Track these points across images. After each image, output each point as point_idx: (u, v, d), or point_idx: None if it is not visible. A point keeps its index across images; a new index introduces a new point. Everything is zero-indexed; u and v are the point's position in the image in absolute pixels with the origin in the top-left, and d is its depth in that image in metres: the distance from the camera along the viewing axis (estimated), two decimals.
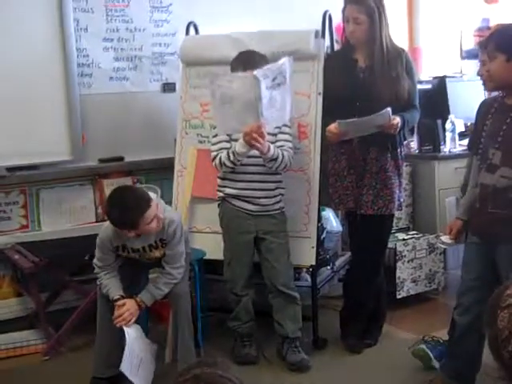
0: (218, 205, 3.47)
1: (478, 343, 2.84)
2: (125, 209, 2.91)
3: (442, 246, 3.01)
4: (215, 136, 3.36)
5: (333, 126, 3.26)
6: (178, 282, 3.14)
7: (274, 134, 3.32)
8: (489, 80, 2.73)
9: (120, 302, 3.01)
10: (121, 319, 2.98)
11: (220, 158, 3.28)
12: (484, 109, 2.84)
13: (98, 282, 3.13)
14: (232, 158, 3.23)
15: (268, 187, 3.35)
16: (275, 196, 3.39)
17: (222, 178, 3.40)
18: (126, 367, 2.89)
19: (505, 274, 2.67)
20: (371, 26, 3.33)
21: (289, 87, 3.16)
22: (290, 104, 3.19)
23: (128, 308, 3.00)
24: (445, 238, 2.97)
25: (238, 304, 3.43)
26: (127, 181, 4.00)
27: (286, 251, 3.42)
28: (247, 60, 3.26)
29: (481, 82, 2.91)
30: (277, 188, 3.39)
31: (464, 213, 2.91)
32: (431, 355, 3.25)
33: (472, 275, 2.83)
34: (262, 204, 3.35)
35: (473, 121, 3.02)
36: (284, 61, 3.12)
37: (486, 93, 3.15)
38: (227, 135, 3.28)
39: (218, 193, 3.43)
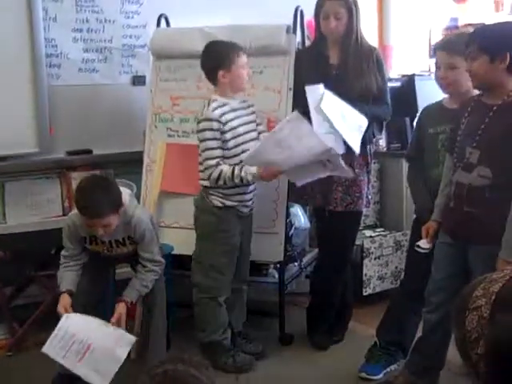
0: (203, 210, 3.32)
1: (444, 341, 2.89)
2: (89, 201, 2.86)
3: (421, 251, 2.99)
4: (208, 140, 3.16)
5: None
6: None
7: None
8: (472, 79, 2.75)
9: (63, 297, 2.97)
10: (63, 310, 2.93)
11: (220, 174, 3.12)
12: (430, 115, 2.90)
13: (57, 274, 3.09)
14: (237, 180, 3.13)
15: (251, 189, 3.33)
16: (254, 196, 3.38)
17: (217, 187, 3.22)
18: (48, 348, 2.86)
19: (477, 275, 2.70)
20: (350, 20, 3.34)
21: None
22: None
23: (64, 303, 2.95)
24: (423, 243, 2.95)
25: (220, 310, 3.33)
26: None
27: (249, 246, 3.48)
28: (240, 45, 3.25)
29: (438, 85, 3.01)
30: (255, 189, 3.36)
31: (439, 214, 2.93)
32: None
33: (442, 275, 2.87)
34: (249, 205, 3.35)
35: None
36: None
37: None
38: (220, 140, 3.17)
39: (214, 201, 3.24)
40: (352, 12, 3.35)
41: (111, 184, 2.99)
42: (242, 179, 3.12)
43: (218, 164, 3.14)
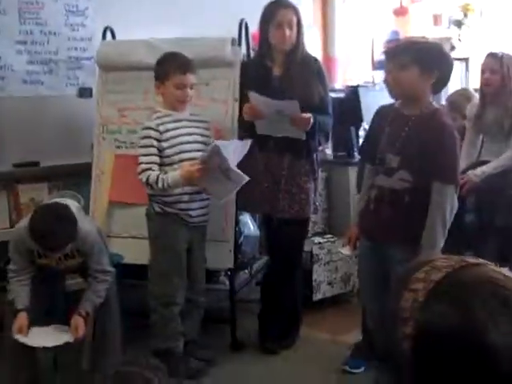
0: (148, 216, 3.34)
1: None
2: (48, 237, 2.80)
3: (342, 255, 3.08)
4: (145, 147, 3.21)
5: (248, 104, 3.34)
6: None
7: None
8: (394, 87, 2.88)
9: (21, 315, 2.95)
10: (17, 331, 2.91)
11: (148, 179, 3.14)
12: (380, 116, 2.99)
13: (8, 287, 3.04)
14: (161, 186, 3.12)
15: (201, 197, 3.32)
16: (206, 207, 3.37)
17: (156, 194, 3.25)
18: None
19: (394, 277, 2.79)
20: (298, 30, 3.40)
21: (235, 189, 3.24)
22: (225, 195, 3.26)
23: (24, 322, 2.93)
24: (345, 250, 3.11)
25: (173, 320, 3.29)
26: (43, 186, 3.89)
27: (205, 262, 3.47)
28: (187, 64, 3.23)
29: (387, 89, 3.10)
30: (207, 199, 3.35)
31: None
32: None
33: (368, 282, 2.96)
34: (197, 215, 3.31)
35: None
36: (241, 177, 3.14)
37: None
38: (157, 148, 3.19)
39: (156, 208, 3.27)
40: (300, 22, 3.42)
41: (67, 214, 2.90)
42: (163, 183, 3.12)
43: (149, 169, 3.17)
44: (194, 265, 3.38)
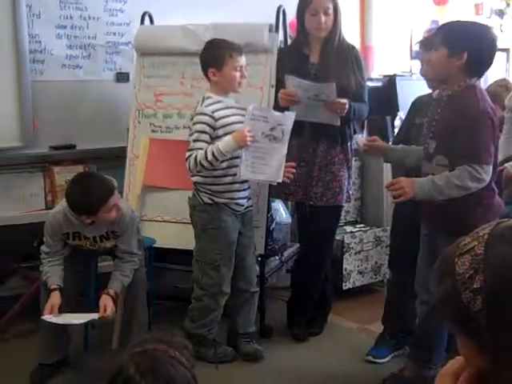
0: (194, 207, 3.28)
1: (441, 331, 2.90)
2: (89, 193, 2.91)
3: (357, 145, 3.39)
4: (197, 132, 3.14)
5: (283, 89, 3.32)
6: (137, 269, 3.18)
7: None
8: (427, 70, 2.85)
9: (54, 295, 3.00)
10: (49, 310, 2.95)
11: (196, 158, 3.07)
12: (415, 107, 2.96)
13: (41, 269, 3.11)
14: (210, 156, 3.06)
15: (244, 187, 3.30)
16: (248, 193, 3.35)
17: (205, 183, 3.23)
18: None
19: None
20: (335, 17, 3.39)
21: (284, 147, 3.18)
22: (279, 164, 3.20)
23: (56, 301, 2.97)
24: (360, 141, 3.26)
25: (216, 310, 3.31)
26: (79, 169, 3.95)
27: (253, 246, 3.45)
28: (239, 45, 3.23)
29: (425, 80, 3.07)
30: (249, 187, 3.34)
31: (390, 148, 3.14)
32: None
33: (424, 265, 2.91)
34: (244, 203, 3.31)
35: None
36: (288, 115, 3.15)
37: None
38: (209, 135, 3.14)
39: (204, 198, 3.22)
40: (337, 9, 3.40)
41: (104, 177, 3.10)
42: (213, 153, 3.06)
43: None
44: (245, 253, 3.36)
